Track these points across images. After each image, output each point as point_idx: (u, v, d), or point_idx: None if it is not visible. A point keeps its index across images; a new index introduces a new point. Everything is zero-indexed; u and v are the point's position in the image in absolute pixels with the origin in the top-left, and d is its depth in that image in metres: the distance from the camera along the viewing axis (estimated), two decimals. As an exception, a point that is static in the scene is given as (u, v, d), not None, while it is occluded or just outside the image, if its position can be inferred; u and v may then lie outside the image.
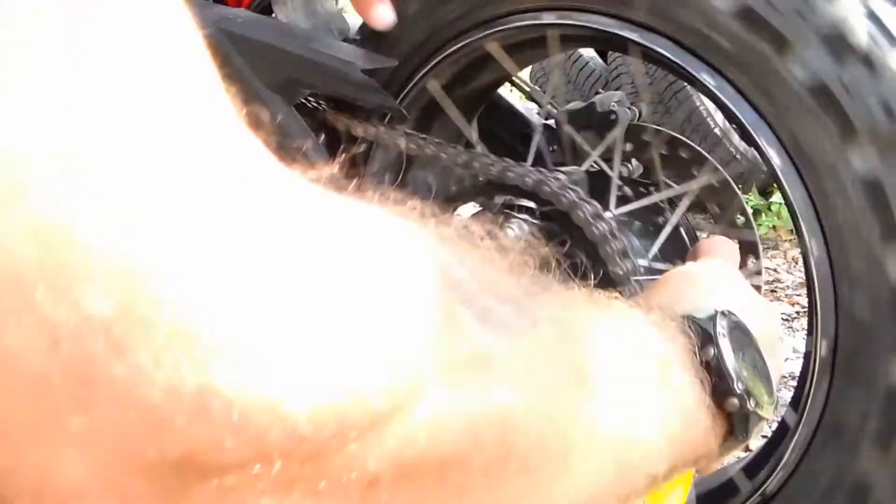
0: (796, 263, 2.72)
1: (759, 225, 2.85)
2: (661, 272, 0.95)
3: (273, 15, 1.12)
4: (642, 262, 0.88)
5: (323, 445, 0.23)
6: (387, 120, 1.03)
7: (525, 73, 3.10)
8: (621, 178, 0.95)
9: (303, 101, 1.02)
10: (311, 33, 1.05)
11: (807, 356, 0.81)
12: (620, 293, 0.55)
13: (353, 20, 1.12)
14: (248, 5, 1.18)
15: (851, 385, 0.76)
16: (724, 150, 2.90)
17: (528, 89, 1.22)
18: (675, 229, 0.96)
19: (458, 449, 0.28)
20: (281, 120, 0.99)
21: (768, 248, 2.81)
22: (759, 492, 0.82)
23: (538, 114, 1.15)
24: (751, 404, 0.44)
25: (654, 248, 0.94)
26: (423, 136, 0.97)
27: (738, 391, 0.43)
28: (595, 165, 0.99)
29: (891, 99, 0.69)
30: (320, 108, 1.04)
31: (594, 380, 0.35)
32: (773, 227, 2.94)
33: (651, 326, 0.42)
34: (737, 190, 0.96)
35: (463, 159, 0.91)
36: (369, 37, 1.00)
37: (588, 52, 3.17)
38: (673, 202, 0.96)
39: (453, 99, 0.99)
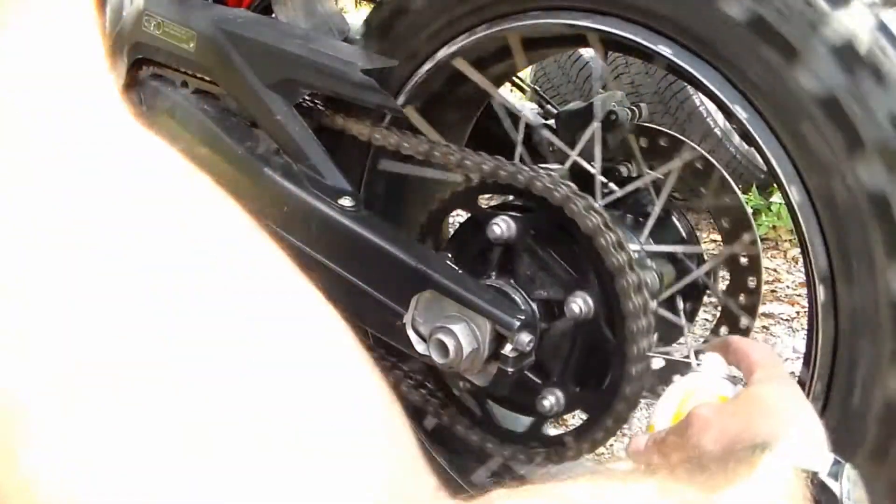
0: (796, 263, 2.72)
1: (760, 225, 2.84)
2: (656, 254, 0.96)
3: (273, 15, 1.12)
4: (635, 247, 0.87)
5: None
6: (386, 120, 1.03)
7: (525, 74, 3.09)
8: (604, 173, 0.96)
9: (302, 100, 1.02)
10: (311, 33, 1.05)
11: (806, 358, 0.81)
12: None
13: (353, 20, 1.12)
14: (248, 5, 1.18)
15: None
16: (725, 150, 2.90)
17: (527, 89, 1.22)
18: (666, 214, 0.98)
19: None
20: (281, 120, 0.99)
21: (768, 248, 2.81)
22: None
23: (539, 114, 1.15)
24: None
25: (646, 232, 0.95)
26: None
27: None
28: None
29: None
30: (320, 108, 1.04)
31: None
32: (773, 227, 2.93)
33: None
34: (718, 166, 0.98)
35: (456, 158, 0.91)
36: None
37: (588, 52, 3.17)
38: (658, 189, 0.97)
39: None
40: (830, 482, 0.45)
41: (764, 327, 2.25)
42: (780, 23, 0.72)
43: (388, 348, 0.98)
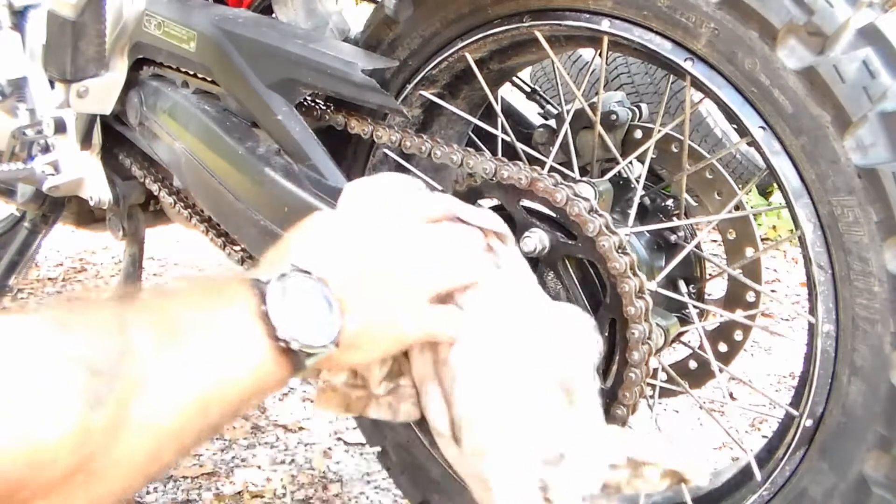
0: (796, 263, 2.72)
1: (760, 225, 2.84)
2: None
3: (273, 15, 1.12)
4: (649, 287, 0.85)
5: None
6: (386, 119, 1.03)
7: (525, 74, 3.09)
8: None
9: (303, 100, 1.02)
10: (311, 33, 1.05)
11: (807, 357, 0.81)
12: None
13: (354, 20, 1.12)
14: (249, 5, 1.18)
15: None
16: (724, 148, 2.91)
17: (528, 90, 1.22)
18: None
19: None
20: (281, 120, 0.99)
21: (768, 248, 2.81)
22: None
23: (539, 114, 1.15)
24: (294, 345, 0.57)
25: (663, 275, 0.95)
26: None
27: (282, 336, 0.56)
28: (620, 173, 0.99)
29: None
30: (320, 108, 1.04)
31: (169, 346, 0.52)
32: (773, 227, 2.93)
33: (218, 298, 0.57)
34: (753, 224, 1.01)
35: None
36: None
37: (588, 52, 3.16)
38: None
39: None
40: (264, 285, 0.57)
41: (764, 327, 2.25)
42: None
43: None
